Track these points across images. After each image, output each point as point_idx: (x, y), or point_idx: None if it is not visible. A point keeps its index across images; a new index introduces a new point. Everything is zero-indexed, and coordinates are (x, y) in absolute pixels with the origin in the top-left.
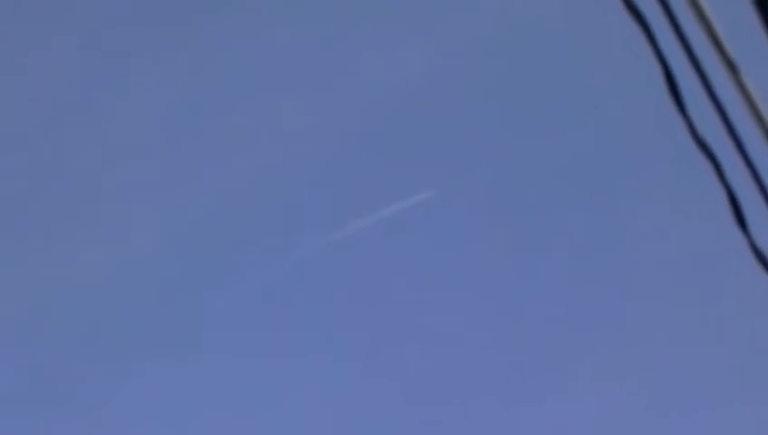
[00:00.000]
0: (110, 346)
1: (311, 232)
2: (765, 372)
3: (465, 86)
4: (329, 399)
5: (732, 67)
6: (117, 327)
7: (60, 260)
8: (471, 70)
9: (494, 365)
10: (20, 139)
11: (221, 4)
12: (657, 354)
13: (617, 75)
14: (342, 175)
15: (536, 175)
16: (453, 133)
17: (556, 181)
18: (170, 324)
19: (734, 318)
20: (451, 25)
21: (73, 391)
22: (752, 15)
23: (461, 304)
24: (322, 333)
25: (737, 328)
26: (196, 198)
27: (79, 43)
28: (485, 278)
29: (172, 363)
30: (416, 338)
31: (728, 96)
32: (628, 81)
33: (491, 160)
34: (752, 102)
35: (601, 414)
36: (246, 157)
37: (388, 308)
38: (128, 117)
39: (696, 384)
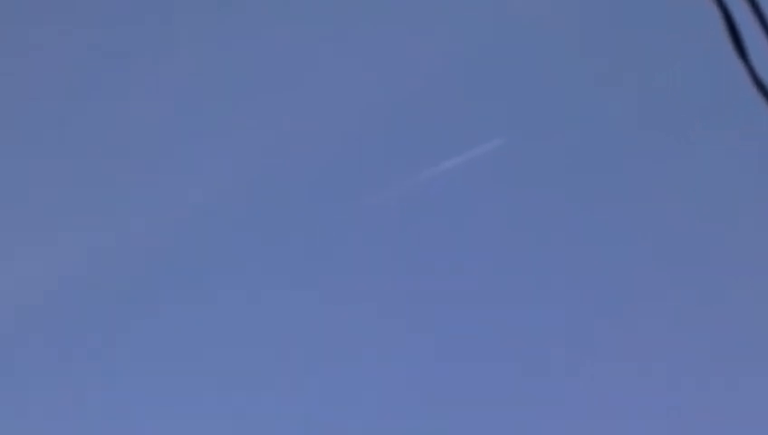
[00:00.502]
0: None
1: (380, 182)
2: None
3: (539, 34)
4: (366, 347)
5: None
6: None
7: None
8: (546, 16)
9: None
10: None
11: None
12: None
13: (678, 23)
14: (413, 123)
15: (602, 121)
16: (526, 81)
17: (618, 128)
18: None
19: None
20: None
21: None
22: None
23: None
24: (375, 282)
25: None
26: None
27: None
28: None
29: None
30: (475, 294)
31: None
32: (689, 28)
33: (559, 108)
34: None
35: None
36: (317, 101)
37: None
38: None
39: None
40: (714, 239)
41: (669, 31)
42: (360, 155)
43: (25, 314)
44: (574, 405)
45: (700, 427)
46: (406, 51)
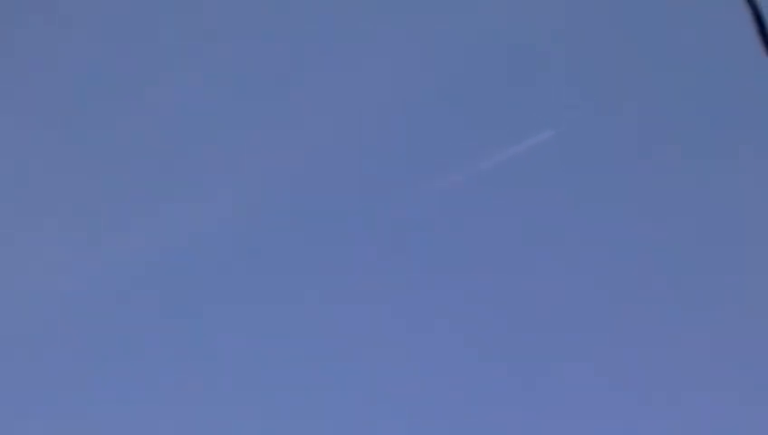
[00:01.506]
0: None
1: (428, 175)
2: None
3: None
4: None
5: None
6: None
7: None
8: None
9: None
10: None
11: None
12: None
13: (708, 21)
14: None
15: (620, 124)
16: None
17: (644, 130)
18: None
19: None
20: None
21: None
22: None
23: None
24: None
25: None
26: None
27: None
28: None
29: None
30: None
31: None
32: (719, 26)
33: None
34: None
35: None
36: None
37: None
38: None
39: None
40: (729, 247)
41: (698, 29)
42: (389, 155)
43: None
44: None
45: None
46: (423, 49)
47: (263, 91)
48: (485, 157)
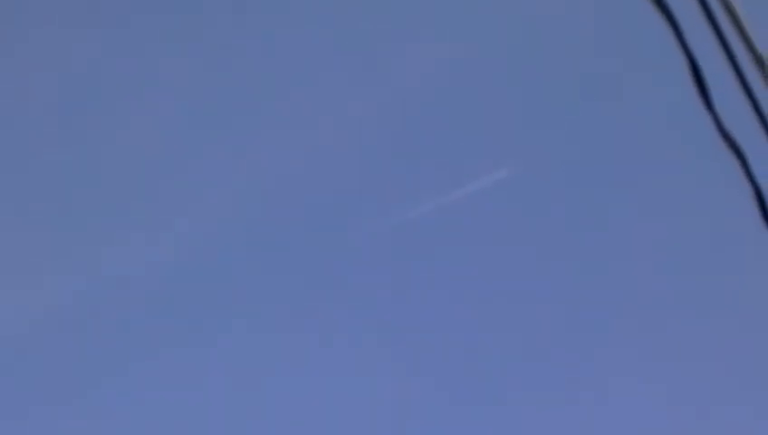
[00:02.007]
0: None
1: (380, 212)
2: None
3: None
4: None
5: (760, 62)
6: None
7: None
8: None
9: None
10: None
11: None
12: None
13: (645, 69)
14: (414, 154)
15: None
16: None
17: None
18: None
19: (760, 316)
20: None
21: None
22: None
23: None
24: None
25: (761, 327)
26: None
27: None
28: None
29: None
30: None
31: (755, 91)
32: (656, 75)
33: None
34: None
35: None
36: (307, 135)
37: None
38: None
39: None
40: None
41: (635, 77)
42: (353, 188)
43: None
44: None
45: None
46: (401, 79)
47: (218, 122)
48: (431, 197)
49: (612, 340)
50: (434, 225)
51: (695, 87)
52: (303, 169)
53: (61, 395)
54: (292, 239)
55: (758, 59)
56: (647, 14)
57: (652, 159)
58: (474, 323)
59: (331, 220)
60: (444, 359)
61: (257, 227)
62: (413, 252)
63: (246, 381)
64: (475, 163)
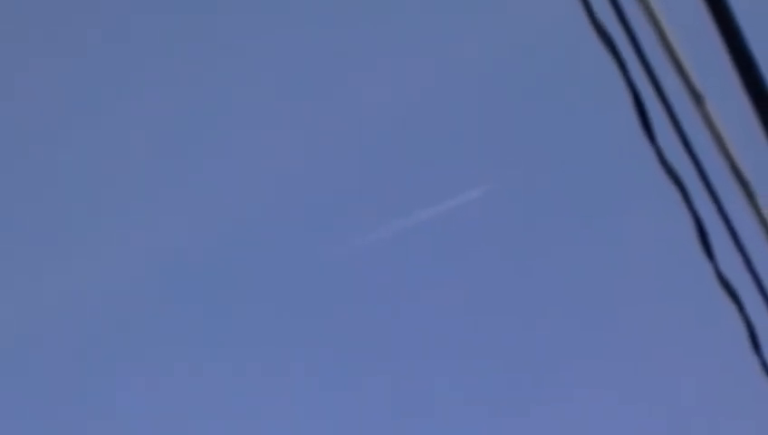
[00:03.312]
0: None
1: (350, 232)
2: (742, 398)
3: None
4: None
5: (697, 97)
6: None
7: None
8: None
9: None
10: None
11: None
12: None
13: (589, 103)
14: (389, 172)
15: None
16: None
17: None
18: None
19: (701, 343)
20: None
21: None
22: (718, 46)
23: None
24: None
25: (703, 353)
26: (223, 195)
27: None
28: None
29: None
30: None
31: (694, 125)
32: (600, 108)
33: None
34: (716, 132)
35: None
36: (286, 154)
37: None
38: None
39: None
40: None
41: (579, 112)
42: (334, 202)
43: None
44: None
45: None
46: (381, 98)
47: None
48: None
49: (592, 353)
50: (402, 245)
51: (638, 119)
52: (274, 186)
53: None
54: (263, 258)
55: (696, 94)
56: (591, 48)
57: (603, 189)
58: (452, 340)
59: (303, 239)
60: (425, 388)
61: (222, 247)
62: (384, 272)
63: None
64: (448, 181)
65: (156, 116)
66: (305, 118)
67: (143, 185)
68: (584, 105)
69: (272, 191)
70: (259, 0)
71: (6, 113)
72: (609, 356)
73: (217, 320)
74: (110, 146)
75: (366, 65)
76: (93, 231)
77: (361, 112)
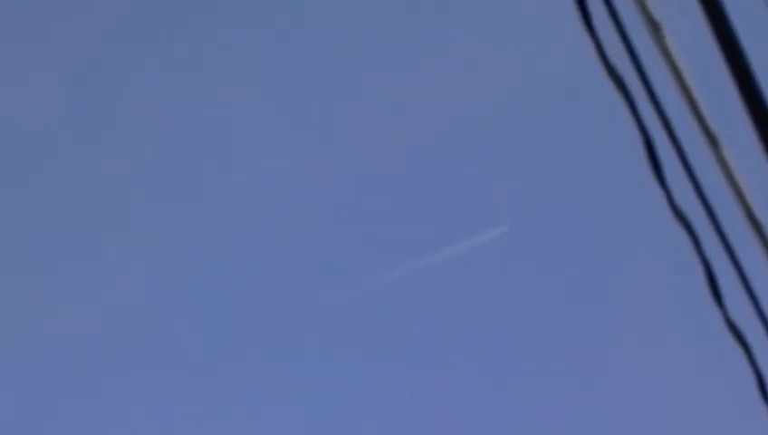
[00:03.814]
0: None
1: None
2: None
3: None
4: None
5: (713, 140)
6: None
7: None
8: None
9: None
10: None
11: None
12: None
13: (599, 143)
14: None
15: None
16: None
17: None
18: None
19: (711, 392)
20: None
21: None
22: (731, 88)
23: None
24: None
25: (713, 400)
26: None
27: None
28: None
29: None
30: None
31: (708, 169)
32: (610, 149)
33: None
34: (731, 176)
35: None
36: (301, 180)
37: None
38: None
39: None
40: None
41: (591, 152)
42: (348, 242)
43: None
44: None
45: None
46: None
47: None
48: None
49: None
50: (412, 287)
51: (648, 163)
52: (287, 224)
53: None
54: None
55: (711, 137)
56: (603, 90)
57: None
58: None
59: (307, 282)
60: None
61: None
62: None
63: None
64: (462, 223)
65: (154, 146)
66: (315, 150)
67: (144, 209)
68: (597, 148)
69: (280, 228)
70: (268, 20)
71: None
72: (621, 405)
73: (220, 354)
74: (112, 167)
75: (379, 96)
76: (94, 255)
77: (377, 147)
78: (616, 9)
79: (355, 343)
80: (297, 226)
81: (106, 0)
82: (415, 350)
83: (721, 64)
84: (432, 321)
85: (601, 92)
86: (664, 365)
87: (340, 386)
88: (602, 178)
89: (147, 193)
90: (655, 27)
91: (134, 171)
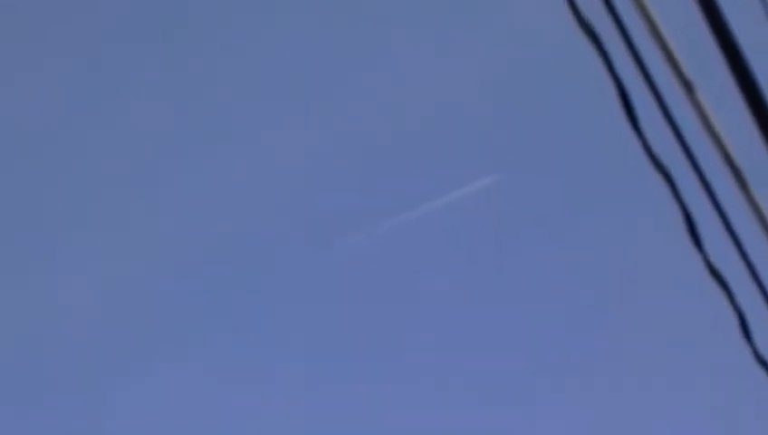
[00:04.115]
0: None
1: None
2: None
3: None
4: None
5: (688, 85)
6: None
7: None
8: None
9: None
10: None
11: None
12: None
13: (573, 93)
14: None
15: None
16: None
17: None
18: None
19: (691, 335)
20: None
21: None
22: (706, 34)
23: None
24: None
25: (695, 344)
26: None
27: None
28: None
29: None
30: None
31: (684, 114)
32: (584, 100)
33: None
34: (707, 120)
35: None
36: (295, 147)
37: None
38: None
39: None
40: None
41: (565, 102)
42: (345, 195)
43: None
44: None
45: None
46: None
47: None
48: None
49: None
50: (404, 240)
51: (623, 111)
52: (282, 177)
53: None
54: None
55: (686, 83)
56: (574, 41)
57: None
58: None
59: (307, 235)
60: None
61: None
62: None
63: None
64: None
65: (158, 117)
66: (312, 110)
67: (143, 185)
68: (577, 99)
69: (279, 184)
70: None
71: (13, 110)
72: (603, 349)
73: (221, 320)
74: (112, 144)
75: (372, 61)
76: (94, 230)
77: (370, 106)
78: None
79: (357, 292)
80: (297, 182)
81: None
82: (414, 299)
83: (695, 9)
84: (431, 268)
85: (580, 44)
86: (648, 309)
87: (344, 334)
88: (582, 129)
89: (158, 150)
90: None
91: (146, 125)
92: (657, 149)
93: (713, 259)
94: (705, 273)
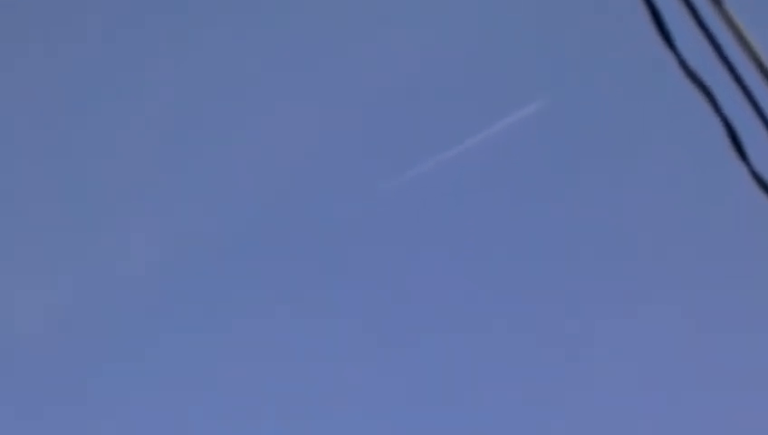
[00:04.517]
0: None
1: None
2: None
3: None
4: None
5: (716, 1)
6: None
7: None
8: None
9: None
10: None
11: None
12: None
13: (605, 17)
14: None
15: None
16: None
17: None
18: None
19: (739, 246)
20: None
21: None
22: None
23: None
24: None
25: (741, 257)
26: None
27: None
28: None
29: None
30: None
31: (715, 27)
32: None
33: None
34: (738, 31)
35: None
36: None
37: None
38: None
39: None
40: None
41: (597, 25)
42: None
43: None
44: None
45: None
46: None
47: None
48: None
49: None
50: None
51: (655, 28)
52: (317, 123)
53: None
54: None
55: None
56: None
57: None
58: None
59: (345, 176)
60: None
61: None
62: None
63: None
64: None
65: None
66: (347, 51)
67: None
68: (608, 25)
69: (305, 131)
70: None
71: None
72: (640, 276)
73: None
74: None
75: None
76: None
77: (408, 36)
78: None
79: (395, 234)
80: (331, 120)
81: None
82: (455, 235)
83: None
84: (470, 207)
85: None
86: (697, 230)
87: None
88: (615, 55)
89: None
90: None
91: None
92: (693, 63)
93: (758, 169)
94: (753, 184)
